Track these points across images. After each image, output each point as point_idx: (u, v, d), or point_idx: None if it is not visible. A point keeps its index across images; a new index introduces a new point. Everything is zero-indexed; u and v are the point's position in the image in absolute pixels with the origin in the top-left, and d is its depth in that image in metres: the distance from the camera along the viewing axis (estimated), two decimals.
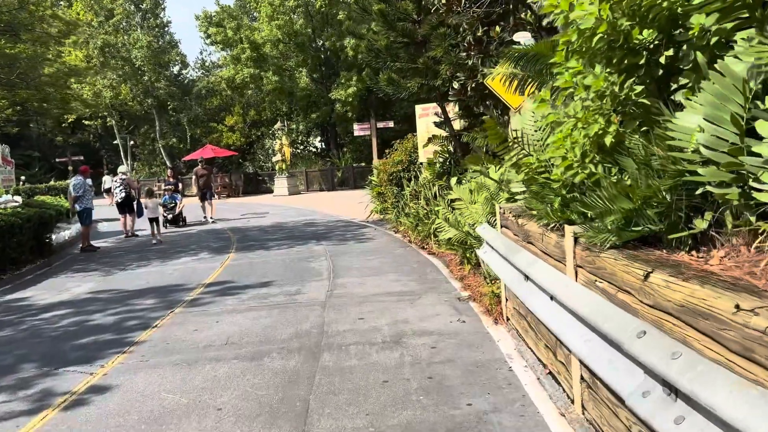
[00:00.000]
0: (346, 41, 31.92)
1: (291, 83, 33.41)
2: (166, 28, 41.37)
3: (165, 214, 17.16)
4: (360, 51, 31.79)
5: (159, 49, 39.01)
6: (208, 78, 41.10)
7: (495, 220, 6.46)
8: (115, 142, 41.71)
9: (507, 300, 6.04)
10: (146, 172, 40.29)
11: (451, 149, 11.41)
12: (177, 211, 17.54)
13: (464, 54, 9.08)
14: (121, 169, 16.50)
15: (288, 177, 32.09)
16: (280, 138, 33.45)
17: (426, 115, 13.81)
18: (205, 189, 19.11)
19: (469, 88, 9.26)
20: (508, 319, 6.04)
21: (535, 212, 4.62)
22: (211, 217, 18.87)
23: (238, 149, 37.64)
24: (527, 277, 4.60)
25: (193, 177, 19.84)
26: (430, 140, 11.70)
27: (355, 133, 32.44)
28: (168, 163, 37.82)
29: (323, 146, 40.20)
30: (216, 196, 21.79)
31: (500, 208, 5.93)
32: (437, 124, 11.60)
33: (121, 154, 41.23)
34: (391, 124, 31.40)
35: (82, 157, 39.14)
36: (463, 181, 10.33)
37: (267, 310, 7.20)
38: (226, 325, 6.66)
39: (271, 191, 32.66)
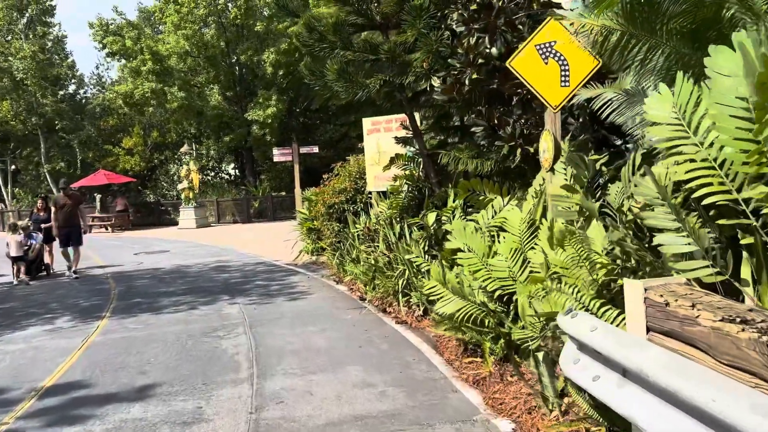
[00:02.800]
0: (265, 56, 28.48)
1: (201, 101, 29.47)
2: (60, 44, 36.49)
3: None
4: (281, 65, 28.45)
5: (46, 62, 34.00)
6: (104, 94, 36.30)
7: (595, 307, 3.31)
8: None
9: None
10: (29, 201, 34.76)
11: (422, 173, 8.27)
12: (31, 256, 13.14)
13: (463, 27, 6.01)
14: None
15: (196, 207, 27.97)
16: (187, 163, 29.31)
17: (376, 131, 10.67)
18: (68, 227, 13.04)
19: (467, 81, 6.17)
20: None
21: None
22: (74, 271, 13.00)
23: (138, 175, 33.04)
24: None
25: (52, 209, 13.31)
26: (392, 161, 8.52)
27: (275, 159, 28.79)
28: (54, 190, 32.68)
29: (238, 173, 36.19)
30: (88, 232, 15.90)
31: (647, 288, 2.76)
32: (401, 141, 8.46)
33: None
34: (315, 149, 28.02)
35: None
36: (449, 217, 7.19)
37: None
38: None
39: (176, 223, 28.38)
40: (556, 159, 5.15)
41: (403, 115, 10.28)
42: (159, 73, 28.89)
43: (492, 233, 5.81)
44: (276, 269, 12.65)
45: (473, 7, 5.92)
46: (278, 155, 28.73)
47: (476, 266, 5.18)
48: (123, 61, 31.81)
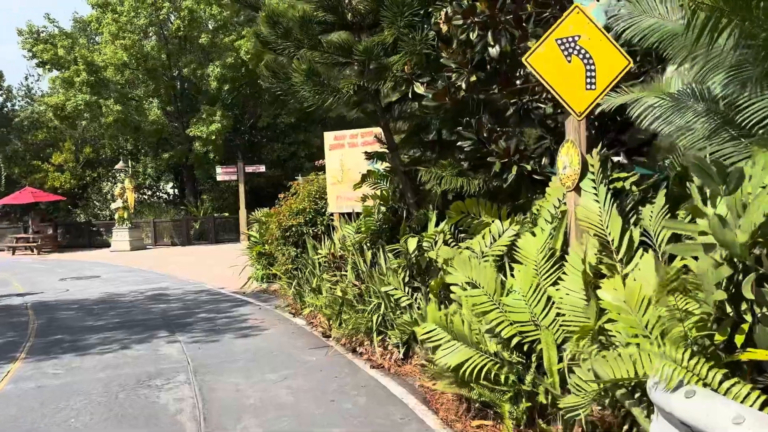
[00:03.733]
0: (210, 69, 27.05)
1: (139, 115, 27.68)
2: None
3: None
4: (226, 80, 27.11)
5: None
6: (33, 107, 33.90)
7: (715, 381, 2.35)
8: None
9: None
10: None
11: (397, 193, 7.28)
12: None
13: (460, 21, 5.09)
14: None
15: (131, 228, 26.11)
16: (122, 181, 27.45)
17: (339, 147, 9.64)
18: None
19: (463, 85, 5.24)
20: None
21: None
22: None
23: (68, 193, 30.78)
24: None
25: None
26: (364, 179, 7.50)
27: (218, 178, 27.33)
28: None
29: (177, 192, 34.33)
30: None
31: None
32: (373, 156, 7.46)
33: None
34: (262, 168, 26.73)
35: None
36: (431, 243, 6.24)
37: None
38: None
39: (109, 245, 26.40)
40: (583, 176, 4.26)
41: (370, 129, 9.35)
42: (94, 84, 27.05)
43: (494, 264, 4.86)
44: (222, 298, 11.35)
45: None
46: (222, 174, 27.27)
47: (485, 306, 4.19)
48: (55, 71, 29.75)
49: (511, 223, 5.31)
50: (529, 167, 5.93)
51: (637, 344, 3.04)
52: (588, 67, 4.37)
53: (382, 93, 7.06)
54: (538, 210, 5.35)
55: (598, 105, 4.39)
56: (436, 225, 6.44)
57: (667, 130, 3.90)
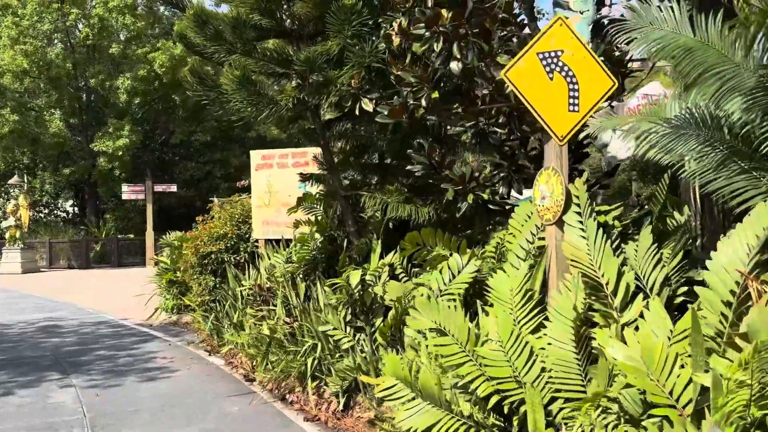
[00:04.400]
0: (120, 81, 25.38)
1: (38, 127, 25.49)
2: None
3: None
4: (138, 93, 25.53)
5: None
6: None
7: None
8: None
9: None
10: None
11: (335, 220, 6.57)
12: None
13: (423, 30, 4.51)
14: None
15: (24, 249, 23.85)
16: (15, 197, 25.18)
17: (267, 167, 8.84)
18: None
19: (424, 103, 4.65)
20: None
21: None
22: None
23: None
24: None
25: None
26: (300, 202, 6.74)
27: (124, 197, 25.57)
28: None
29: (77, 211, 31.92)
30: None
31: None
32: (309, 178, 6.73)
33: None
34: (173, 188, 25.25)
35: None
36: (375, 276, 5.60)
37: None
38: None
39: None
40: (566, 208, 3.74)
41: (303, 149, 8.65)
42: None
43: (455, 304, 4.25)
44: (125, 332, 10.15)
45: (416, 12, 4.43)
46: (128, 192, 25.54)
47: (457, 358, 3.55)
48: None
49: (471, 258, 4.74)
50: (485, 196, 5.42)
51: (664, 417, 2.49)
52: (571, 86, 3.89)
53: (323, 109, 6.40)
54: (500, 243, 4.82)
55: (583, 128, 3.92)
56: (381, 256, 5.80)
57: (667, 159, 3.46)
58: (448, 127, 6.15)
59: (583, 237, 3.62)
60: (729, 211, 3.84)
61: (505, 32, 4.96)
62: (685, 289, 3.70)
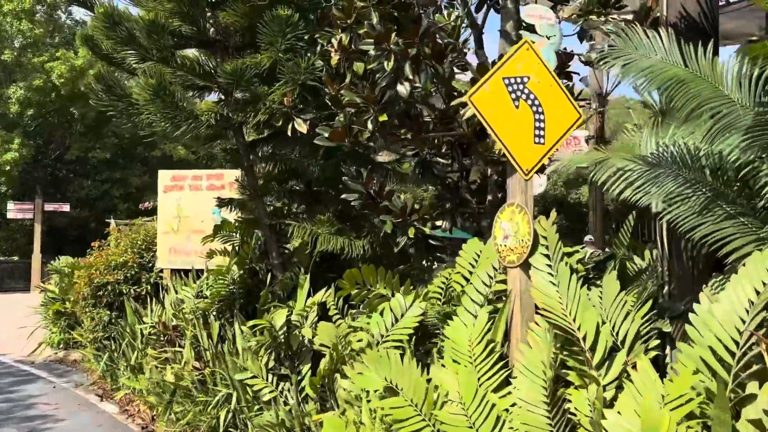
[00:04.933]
0: (12, 90, 23.33)
1: None
2: None
3: None
4: (31, 104, 23.56)
5: None
6: None
7: None
8: None
9: None
10: None
11: (256, 251, 5.91)
12: None
13: (371, 47, 4.05)
14: None
15: None
16: None
17: (177, 189, 8.04)
18: None
19: (370, 126, 4.16)
20: None
21: None
22: None
23: None
24: None
25: None
26: (217, 230, 6.04)
27: (10, 216, 23.33)
28: None
29: None
30: None
31: None
32: (227, 203, 6.06)
33: None
34: (66, 207, 23.33)
35: None
36: (301, 317, 5.03)
37: None
38: None
39: None
40: (534, 249, 3.35)
41: (220, 171, 7.96)
42: None
43: (407, 358, 3.74)
44: (2, 370, 8.88)
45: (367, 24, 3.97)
46: (15, 211, 23.35)
47: (413, 422, 3.03)
48: None
49: (416, 299, 4.26)
50: (427, 230, 4.99)
51: None
52: (537, 116, 3.54)
53: (247, 127, 5.80)
54: (446, 283, 4.38)
55: (549, 162, 3.57)
56: (309, 293, 5.22)
57: (646, 200, 3.15)
58: (377, 154, 5.75)
59: (553, 283, 3.23)
60: (700, 256, 3.60)
61: (453, 57, 4.63)
62: (657, 342, 3.40)
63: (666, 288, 3.66)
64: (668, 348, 3.63)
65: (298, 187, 6.24)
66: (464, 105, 4.00)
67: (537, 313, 3.41)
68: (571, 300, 3.09)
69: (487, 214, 5.03)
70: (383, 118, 4.14)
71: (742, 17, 6.86)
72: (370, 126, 4.15)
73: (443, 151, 5.17)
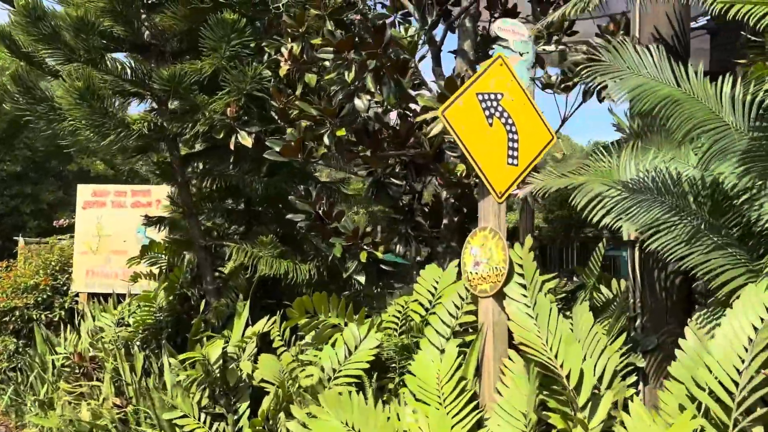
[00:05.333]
0: None
1: None
2: None
3: None
4: None
5: None
6: None
7: None
8: None
9: None
10: None
11: (191, 275, 5.41)
12: None
13: (330, 54, 3.74)
14: None
15: None
16: None
17: (99, 205, 7.38)
18: None
19: (326, 141, 3.82)
20: None
21: None
22: None
23: None
24: None
25: None
26: (145, 251, 5.49)
27: None
28: None
29: None
30: None
31: None
32: (157, 222, 5.54)
33: None
34: None
35: None
36: (238, 349, 4.60)
37: None
38: None
39: None
40: (509, 277, 3.10)
41: (147, 187, 7.39)
42: None
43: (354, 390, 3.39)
44: None
45: (327, 29, 3.66)
46: None
47: None
48: None
49: (371, 329, 3.93)
50: (379, 254, 4.69)
51: None
52: (511, 135, 3.33)
53: (182, 140, 5.35)
54: (402, 311, 4.07)
55: (521, 186, 3.35)
56: (248, 322, 4.78)
57: (627, 227, 2.97)
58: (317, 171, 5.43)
59: (530, 315, 2.99)
60: (674, 287, 3.45)
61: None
62: (634, 378, 3.21)
63: (638, 321, 3.50)
64: (641, 384, 3.46)
65: (236, 206, 5.80)
66: (430, 121, 3.74)
67: (511, 346, 3.16)
68: (552, 334, 2.84)
69: (443, 239, 4.78)
70: (341, 132, 3.82)
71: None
72: (326, 141, 3.81)
73: (396, 171, 4.90)
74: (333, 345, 3.91)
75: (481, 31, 4.81)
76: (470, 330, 3.49)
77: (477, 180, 3.36)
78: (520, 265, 3.13)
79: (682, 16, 3.47)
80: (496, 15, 4.73)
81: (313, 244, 6.07)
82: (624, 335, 3.29)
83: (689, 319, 2.91)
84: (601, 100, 4.50)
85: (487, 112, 3.27)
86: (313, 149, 3.89)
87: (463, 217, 4.76)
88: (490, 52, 4.94)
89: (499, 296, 3.13)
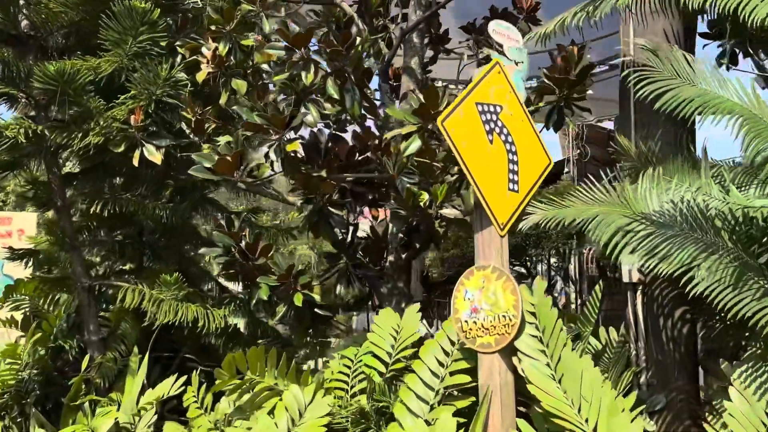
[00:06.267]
0: None
1: None
2: None
3: None
4: None
5: None
6: None
7: None
8: None
9: None
10: None
11: (69, 323, 4.29)
12: None
13: (282, 52, 3.03)
14: None
15: None
16: None
17: None
18: None
19: (273, 155, 3.06)
20: None
21: None
22: None
23: None
24: None
25: None
26: (9, 292, 4.26)
27: None
28: None
29: None
30: None
31: None
32: (25, 256, 4.40)
33: None
34: None
35: None
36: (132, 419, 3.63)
37: None
38: None
39: None
40: (522, 328, 2.51)
41: (8, 214, 6.12)
42: None
43: None
44: None
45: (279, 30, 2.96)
46: None
47: None
48: None
49: (317, 391, 3.16)
50: (317, 297, 3.95)
51: None
52: (511, 156, 2.80)
53: (64, 153, 4.32)
54: (350, 368, 3.35)
55: (523, 216, 2.82)
56: (146, 384, 3.81)
57: (663, 267, 2.50)
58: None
59: (550, 376, 2.41)
60: (681, 337, 3.04)
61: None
62: None
63: (643, 376, 3.04)
64: None
65: (127, 238, 4.78)
66: (400, 138, 3.12)
67: (518, 415, 2.56)
68: (587, 402, 2.27)
69: (388, 279, 4.13)
70: (293, 147, 3.09)
71: None
72: (273, 156, 3.06)
73: (335, 198, 4.20)
74: (271, 413, 3.10)
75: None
76: (455, 393, 2.84)
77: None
78: (533, 313, 2.56)
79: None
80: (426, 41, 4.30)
81: (219, 285, 5.22)
82: (634, 394, 2.81)
83: (707, 375, 2.49)
84: (557, 130, 4.12)
85: (487, 127, 2.71)
86: (255, 168, 3.12)
87: (414, 254, 4.15)
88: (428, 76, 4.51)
89: (508, 351, 2.53)
